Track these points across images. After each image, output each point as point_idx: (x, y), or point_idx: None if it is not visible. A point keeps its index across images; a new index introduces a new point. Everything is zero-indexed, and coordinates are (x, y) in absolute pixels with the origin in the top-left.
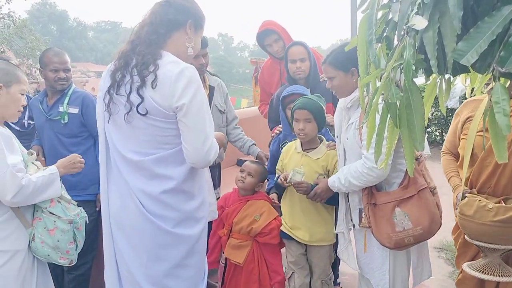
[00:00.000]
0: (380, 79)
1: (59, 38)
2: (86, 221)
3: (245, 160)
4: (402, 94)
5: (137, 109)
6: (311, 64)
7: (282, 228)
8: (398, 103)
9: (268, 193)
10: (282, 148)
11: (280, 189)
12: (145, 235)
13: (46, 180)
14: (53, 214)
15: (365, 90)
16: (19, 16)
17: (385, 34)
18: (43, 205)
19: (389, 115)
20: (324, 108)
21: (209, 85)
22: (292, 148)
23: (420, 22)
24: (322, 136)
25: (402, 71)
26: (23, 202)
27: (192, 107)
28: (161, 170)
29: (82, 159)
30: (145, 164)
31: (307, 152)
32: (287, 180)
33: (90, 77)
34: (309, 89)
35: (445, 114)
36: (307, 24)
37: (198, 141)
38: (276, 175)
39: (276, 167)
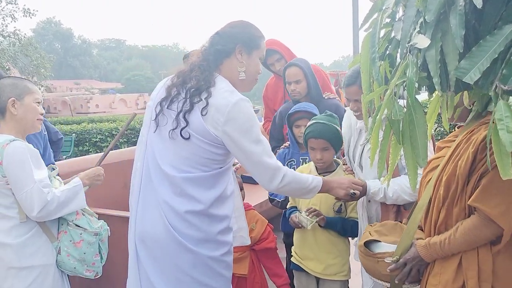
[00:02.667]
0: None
1: (64, 55)
2: (108, 234)
3: (249, 176)
4: (405, 110)
5: (180, 132)
6: (310, 83)
7: (292, 259)
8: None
9: (281, 207)
10: (287, 164)
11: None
12: (167, 249)
13: (69, 194)
14: (79, 226)
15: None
16: (25, 34)
17: (387, 52)
18: (69, 218)
19: (391, 132)
20: (339, 128)
21: None
22: (305, 172)
23: (422, 41)
24: (339, 160)
25: (405, 88)
26: (48, 217)
27: (246, 140)
28: (191, 191)
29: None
30: (177, 180)
31: (324, 175)
32: (301, 224)
33: (94, 94)
34: None
35: (448, 130)
36: (309, 41)
37: (265, 178)
38: (289, 205)
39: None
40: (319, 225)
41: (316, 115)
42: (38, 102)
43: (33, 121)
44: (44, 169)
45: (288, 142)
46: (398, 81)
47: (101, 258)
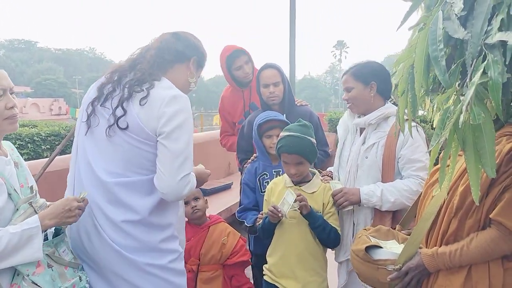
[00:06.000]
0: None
1: None
2: None
3: (207, 189)
4: (484, 115)
5: (117, 122)
6: (286, 88)
7: (265, 277)
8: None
9: (250, 232)
10: (259, 179)
11: (267, 232)
12: (106, 260)
13: (16, 241)
14: (36, 285)
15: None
16: None
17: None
18: (24, 270)
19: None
20: (314, 139)
21: None
22: (280, 184)
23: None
24: (314, 170)
25: (489, 89)
26: None
27: (177, 133)
28: (125, 198)
29: (82, 203)
30: (110, 186)
31: (300, 186)
32: (280, 209)
33: None
34: (284, 115)
35: None
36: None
37: (174, 167)
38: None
39: (264, 211)
40: (300, 213)
41: (287, 123)
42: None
43: None
44: None
45: (255, 154)
46: (480, 81)
47: None
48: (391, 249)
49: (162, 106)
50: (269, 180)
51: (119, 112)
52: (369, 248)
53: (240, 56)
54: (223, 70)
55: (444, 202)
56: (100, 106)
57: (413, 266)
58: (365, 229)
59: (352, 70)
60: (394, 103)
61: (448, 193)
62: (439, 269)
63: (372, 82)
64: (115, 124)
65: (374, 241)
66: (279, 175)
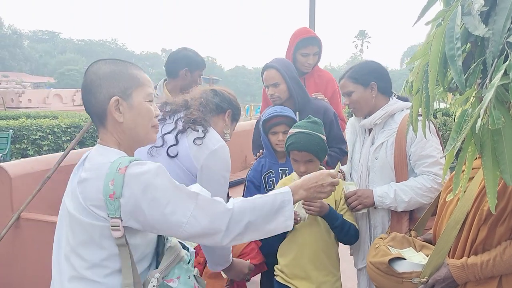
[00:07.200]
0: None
1: None
2: None
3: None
4: (504, 119)
5: (167, 149)
6: (290, 86)
7: (277, 278)
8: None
9: None
10: (264, 177)
11: (281, 234)
12: None
13: (269, 205)
14: None
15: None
16: None
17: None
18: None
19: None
20: (324, 136)
21: None
22: (290, 182)
23: None
24: (322, 167)
25: (509, 91)
26: (239, 240)
27: (216, 185)
28: None
29: (336, 179)
30: None
31: None
32: (298, 212)
33: (26, 87)
34: (297, 112)
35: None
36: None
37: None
38: None
39: None
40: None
41: (294, 119)
42: (151, 100)
43: (146, 130)
44: None
45: (262, 150)
46: (500, 82)
47: None
48: (410, 258)
49: (211, 154)
50: (274, 178)
51: (171, 140)
52: (390, 260)
53: (314, 44)
54: (289, 48)
55: (472, 208)
56: None
57: (440, 279)
58: (381, 238)
59: (348, 73)
60: (399, 97)
61: (475, 199)
62: (468, 281)
63: (372, 82)
64: (165, 150)
65: (395, 252)
66: (285, 174)
